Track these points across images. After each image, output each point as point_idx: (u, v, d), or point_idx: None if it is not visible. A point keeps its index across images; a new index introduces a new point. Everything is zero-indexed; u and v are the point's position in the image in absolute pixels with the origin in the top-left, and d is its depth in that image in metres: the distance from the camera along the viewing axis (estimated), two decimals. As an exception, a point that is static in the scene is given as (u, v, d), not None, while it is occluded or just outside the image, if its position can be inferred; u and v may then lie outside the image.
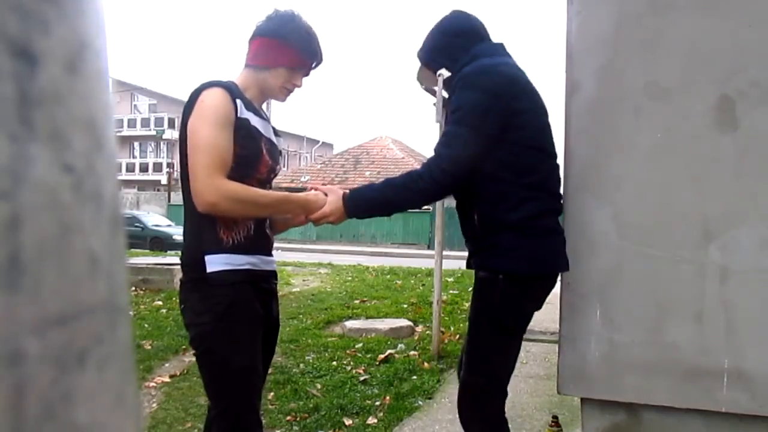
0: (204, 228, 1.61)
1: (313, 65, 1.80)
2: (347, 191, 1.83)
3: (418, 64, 2.06)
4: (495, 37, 1.94)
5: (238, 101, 1.62)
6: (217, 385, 1.65)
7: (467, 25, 1.91)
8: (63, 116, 0.26)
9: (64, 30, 0.27)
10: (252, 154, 1.65)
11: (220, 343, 1.61)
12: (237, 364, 1.62)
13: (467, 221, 1.81)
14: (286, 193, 1.76)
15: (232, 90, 1.62)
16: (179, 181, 1.71)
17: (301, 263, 12.18)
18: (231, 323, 1.61)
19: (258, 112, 1.72)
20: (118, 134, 30.32)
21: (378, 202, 1.79)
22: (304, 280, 9.40)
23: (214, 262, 1.61)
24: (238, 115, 1.61)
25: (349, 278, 9.71)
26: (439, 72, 1.91)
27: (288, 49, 1.71)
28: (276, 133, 1.85)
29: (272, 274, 1.80)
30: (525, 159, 1.73)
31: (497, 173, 1.72)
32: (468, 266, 1.89)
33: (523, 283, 1.73)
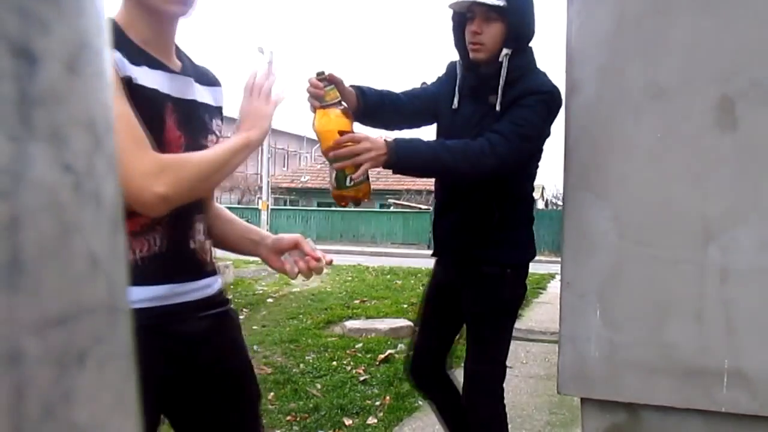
0: None
1: None
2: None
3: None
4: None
5: (117, 53, 1.05)
6: None
7: None
8: (63, 116, 0.26)
9: (64, 30, 0.27)
10: (146, 127, 1.05)
11: None
12: None
13: (483, 218, 1.91)
14: (234, 140, 1.16)
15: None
16: None
17: (301, 263, 12.13)
18: None
19: (155, 61, 1.14)
20: (118, 134, 30.07)
21: (425, 156, 1.66)
22: (304, 280, 9.37)
23: None
24: (120, 74, 1.05)
25: (349, 278, 9.70)
26: (505, 52, 1.84)
27: None
28: (213, 82, 1.30)
29: (201, 305, 1.21)
30: (535, 168, 2.00)
31: (519, 178, 1.94)
32: (454, 261, 2.02)
33: (524, 271, 1.99)
